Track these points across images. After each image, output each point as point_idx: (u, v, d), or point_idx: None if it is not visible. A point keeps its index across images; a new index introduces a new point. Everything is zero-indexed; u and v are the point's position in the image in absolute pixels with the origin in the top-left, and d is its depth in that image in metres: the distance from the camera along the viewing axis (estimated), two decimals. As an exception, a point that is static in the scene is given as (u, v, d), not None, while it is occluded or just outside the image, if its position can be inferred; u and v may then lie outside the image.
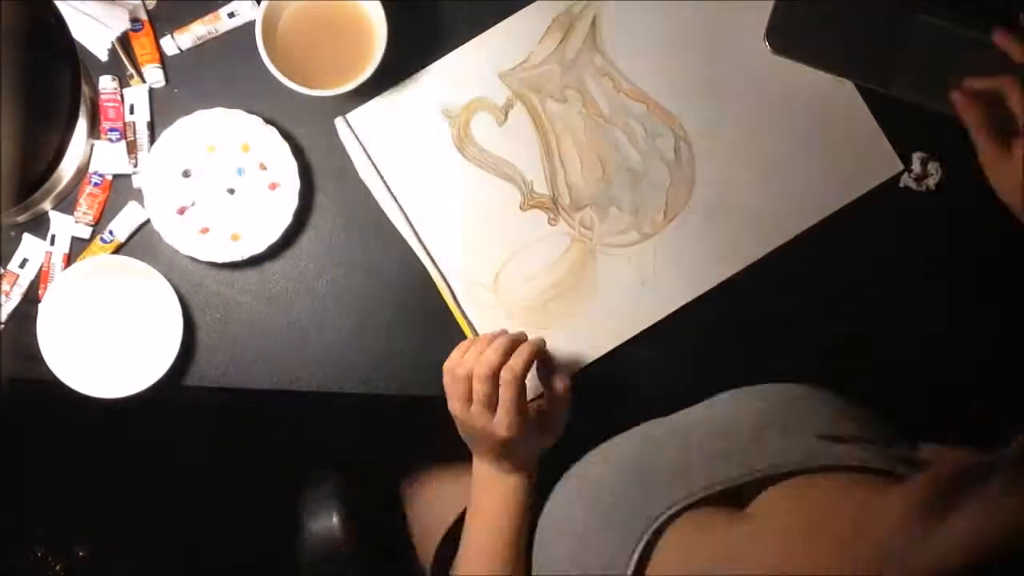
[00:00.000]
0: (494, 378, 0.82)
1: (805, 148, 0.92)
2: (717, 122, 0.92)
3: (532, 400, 0.88)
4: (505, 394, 0.82)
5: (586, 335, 0.92)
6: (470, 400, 0.83)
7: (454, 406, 0.85)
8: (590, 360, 0.92)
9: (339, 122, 0.90)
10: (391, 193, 0.90)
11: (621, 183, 0.92)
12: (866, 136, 0.92)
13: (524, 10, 0.91)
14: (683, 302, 0.92)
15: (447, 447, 0.93)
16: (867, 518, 0.60)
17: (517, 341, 0.84)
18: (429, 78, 0.91)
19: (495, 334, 0.85)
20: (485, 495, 0.89)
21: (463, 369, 0.83)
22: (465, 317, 0.91)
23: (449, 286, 0.91)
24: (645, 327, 0.92)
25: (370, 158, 0.90)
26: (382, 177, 0.90)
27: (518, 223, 0.91)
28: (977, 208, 0.89)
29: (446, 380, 0.85)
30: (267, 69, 0.89)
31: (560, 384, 0.86)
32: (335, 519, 1.13)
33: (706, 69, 0.92)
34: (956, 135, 0.89)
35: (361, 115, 0.90)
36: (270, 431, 1.20)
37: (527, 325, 0.91)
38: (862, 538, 0.58)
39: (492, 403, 0.83)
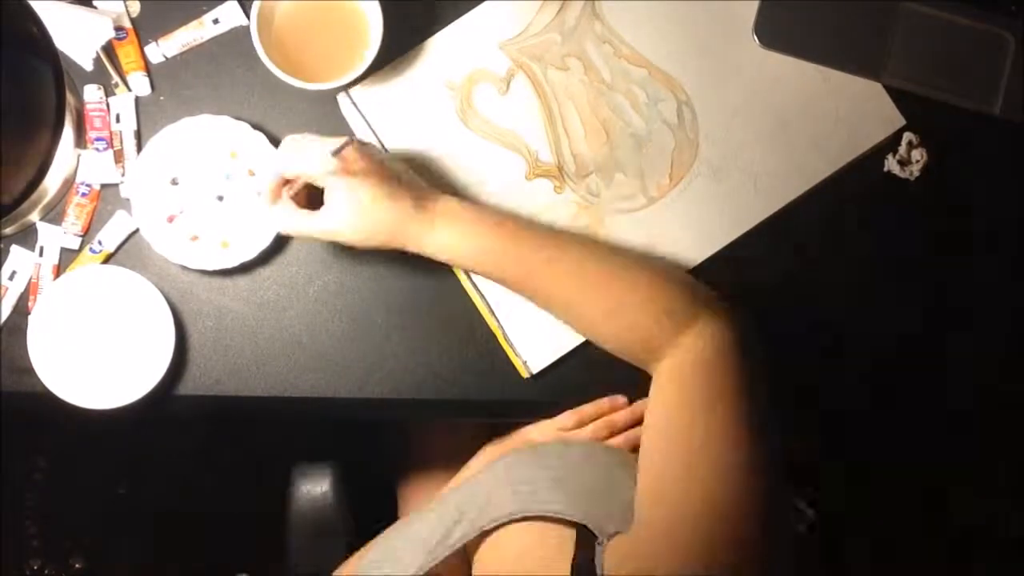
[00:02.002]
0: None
1: (808, 105, 0.92)
2: (718, 83, 0.92)
3: None
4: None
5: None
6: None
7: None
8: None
9: (342, 98, 0.89)
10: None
11: (625, 148, 0.91)
12: (869, 94, 0.92)
13: None
14: (692, 265, 0.91)
15: (442, 450, 0.93)
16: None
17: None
18: (430, 51, 0.90)
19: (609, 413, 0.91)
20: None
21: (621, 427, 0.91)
22: (477, 290, 0.90)
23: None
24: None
25: (374, 133, 0.89)
26: (387, 152, 0.90)
27: (524, 192, 0.91)
28: (953, 200, 0.89)
29: (598, 425, 0.91)
30: (255, 73, 0.89)
31: None
32: (328, 484, 1.14)
33: (706, 31, 0.92)
34: (946, 122, 0.89)
35: (364, 90, 0.89)
36: (265, 439, 1.20)
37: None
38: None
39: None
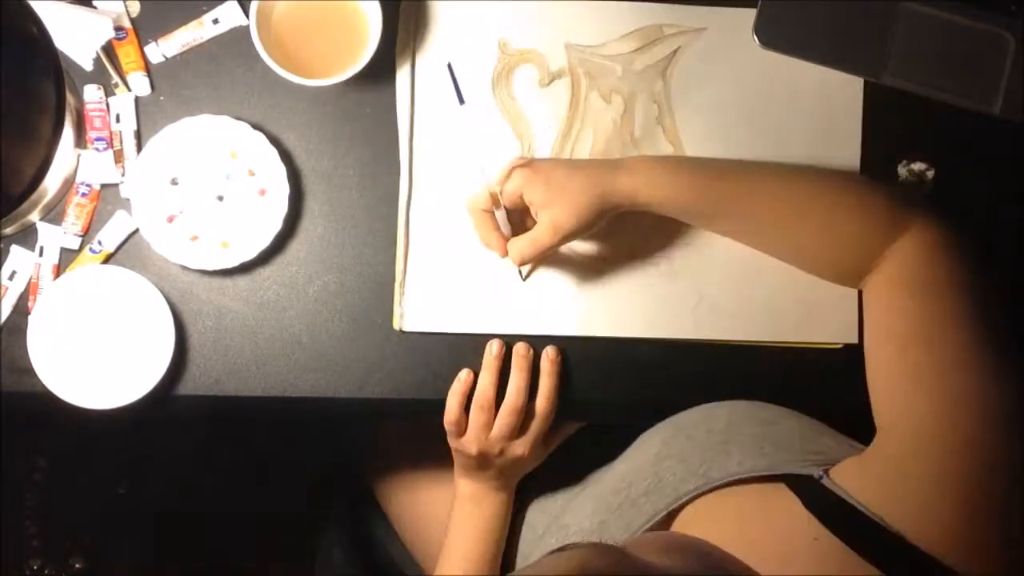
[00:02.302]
0: (520, 412, 0.88)
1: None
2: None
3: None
4: (541, 425, 0.89)
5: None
6: (489, 428, 0.89)
7: (474, 435, 0.89)
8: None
9: (406, 4, 0.89)
10: (412, 90, 0.90)
11: None
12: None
13: (622, 2, 0.91)
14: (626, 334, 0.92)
15: (438, 449, 0.93)
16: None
17: (528, 365, 0.89)
18: (504, 9, 0.90)
19: (501, 355, 0.89)
20: (474, 510, 0.94)
21: (486, 399, 0.88)
22: (406, 231, 0.90)
23: (409, 199, 0.90)
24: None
25: (414, 49, 0.90)
26: (414, 73, 0.90)
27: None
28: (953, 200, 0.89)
29: (459, 412, 0.89)
30: (255, 73, 0.89)
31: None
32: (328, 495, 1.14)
33: (749, 148, 0.92)
34: (946, 122, 0.89)
35: (427, 8, 0.90)
36: (265, 439, 1.20)
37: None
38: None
39: (514, 433, 0.89)
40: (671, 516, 0.76)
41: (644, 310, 0.91)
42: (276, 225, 0.88)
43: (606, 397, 0.93)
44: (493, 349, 0.89)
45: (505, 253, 0.85)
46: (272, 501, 1.16)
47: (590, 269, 0.91)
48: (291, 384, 0.90)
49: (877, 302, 0.77)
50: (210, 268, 0.87)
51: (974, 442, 0.64)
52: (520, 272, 0.90)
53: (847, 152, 0.92)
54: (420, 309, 0.90)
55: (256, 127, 0.88)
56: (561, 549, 0.60)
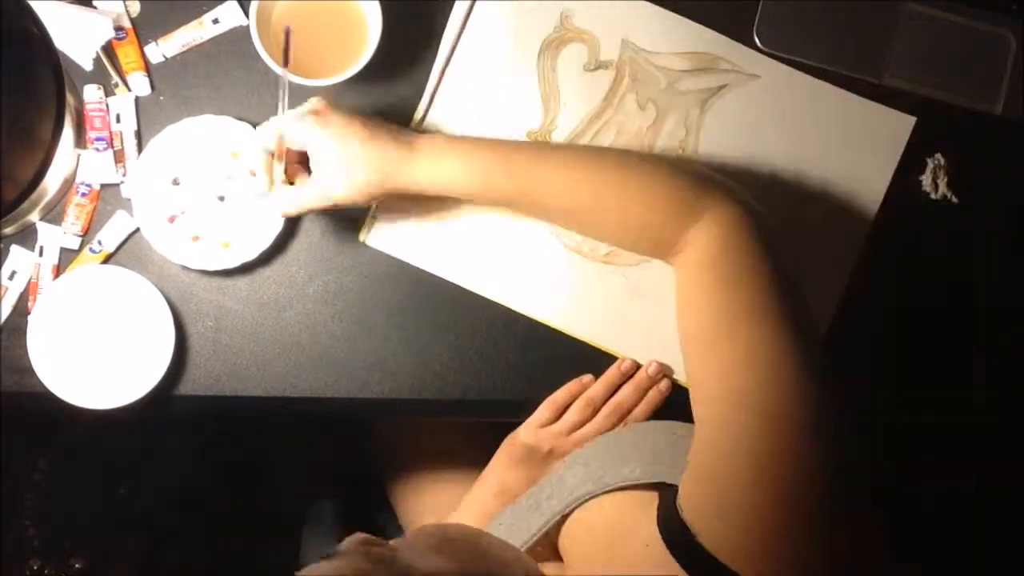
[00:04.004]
0: (621, 416, 0.89)
1: None
2: None
3: None
4: (610, 425, 0.89)
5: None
6: (587, 419, 0.89)
7: (560, 427, 0.89)
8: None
9: None
10: (463, 25, 0.90)
11: None
12: None
13: (690, 23, 0.91)
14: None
15: (441, 449, 0.93)
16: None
17: (648, 384, 0.90)
18: None
19: (628, 370, 0.90)
20: (494, 500, 0.92)
21: (598, 396, 0.89)
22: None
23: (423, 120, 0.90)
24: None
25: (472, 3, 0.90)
26: (472, 7, 0.90)
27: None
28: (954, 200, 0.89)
29: (563, 404, 0.90)
30: (255, 73, 0.89)
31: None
32: (329, 495, 1.14)
33: (768, 195, 0.91)
34: (947, 122, 0.89)
35: None
36: (264, 438, 1.20)
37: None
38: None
39: (598, 434, 0.89)
40: (564, 517, 0.77)
41: (600, 316, 0.91)
42: (277, 225, 0.88)
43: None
44: (623, 367, 0.90)
45: (268, 190, 0.83)
46: (272, 501, 1.16)
47: (566, 257, 0.91)
48: (291, 384, 0.90)
49: (677, 291, 0.76)
50: (211, 268, 0.87)
51: (775, 453, 0.64)
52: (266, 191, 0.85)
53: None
54: (389, 230, 0.90)
55: (258, 127, 0.88)
56: (328, 556, 0.59)
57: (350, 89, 0.90)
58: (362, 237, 0.90)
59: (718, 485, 0.64)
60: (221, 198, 0.88)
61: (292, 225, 0.90)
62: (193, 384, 0.90)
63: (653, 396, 0.90)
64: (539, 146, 0.83)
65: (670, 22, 0.91)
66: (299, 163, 0.83)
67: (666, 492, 0.69)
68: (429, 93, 0.90)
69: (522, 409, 0.92)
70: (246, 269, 0.89)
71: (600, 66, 0.91)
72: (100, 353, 0.87)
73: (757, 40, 0.91)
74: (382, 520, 1.21)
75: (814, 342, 0.70)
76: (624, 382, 0.90)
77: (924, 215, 0.93)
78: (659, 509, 0.67)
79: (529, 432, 0.91)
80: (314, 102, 0.80)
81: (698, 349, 0.72)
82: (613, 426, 0.89)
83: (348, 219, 0.90)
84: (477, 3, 0.90)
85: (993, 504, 0.97)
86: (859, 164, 0.92)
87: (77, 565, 1.05)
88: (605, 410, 0.89)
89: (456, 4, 0.90)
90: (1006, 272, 0.94)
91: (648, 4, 0.91)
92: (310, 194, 0.80)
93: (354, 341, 0.90)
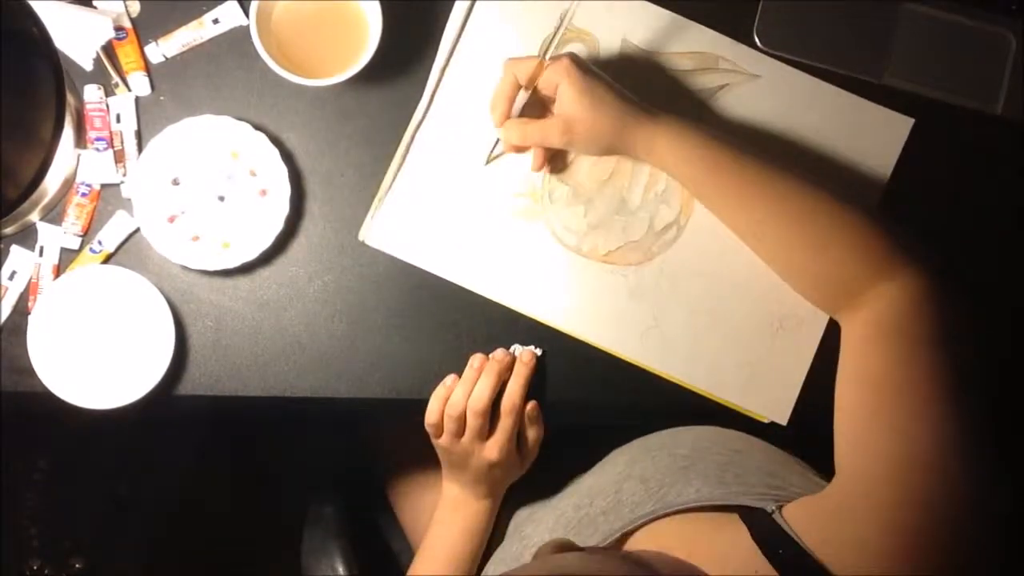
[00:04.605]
0: (486, 413, 0.88)
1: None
2: (720, 237, 0.89)
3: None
4: (506, 422, 0.89)
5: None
6: (461, 434, 0.89)
7: (445, 440, 0.90)
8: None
9: None
10: (465, 21, 0.90)
11: (605, 201, 0.91)
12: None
13: (690, 22, 0.91)
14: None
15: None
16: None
17: (504, 368, 0.89)
18: None
19: (482, 365, 0.89)
20: (454, 513, 0.95)
21: (456, 409, 0.88)
22: (406, 152, 0.90)
23: (416, 131, 0.90)
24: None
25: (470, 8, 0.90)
26: (473, 5, 0.90)
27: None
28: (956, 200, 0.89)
29: (438, 417, 0.89)
30: (256, 73, 0.89)
31: (534, 432, 0.91)
32: (329, 496, 1.14)
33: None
34: (948, 122, 0.89)
35: None
36: (264, 438, 1.20)
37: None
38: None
39: (484, 434, 0.89)
40: (625, 536, 0.76)
41: (598, 316, 0.91)
42: (277, 226, 0.88)
43: (579, 397, 0.93)
44: (475, 363, 0.89)
45: (501, 123, 0.86)
46: (272, 501, 1.16)
47: (567, 257, 0.91)
48: (291, 384, 0.90)
49: (854, 341, 0.75)
50: (211, 268, 0.87)
51: (923, 502, 0.63)
52: (490, 152, 0.89)
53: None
54: (388, 229, 0.90)
55: (257, 128, 0.88)
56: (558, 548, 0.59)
57: (350, 89, 0.90)
58: (361, 235, 0.90)
59: (856, 522, 0.63)
60: (221, 198, 0.88)
61: (292, 225, 0.90)
62: (193, 384, 0.90)
63: (521, 370, 0.89)
64: (767, 165, 0.82)
65: (669, 22, 0.91)
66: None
67: (752, 515, 0.68)
68: (429, 93, 0.90)
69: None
70: (246, 269, 0.89)
71: (600, 66, 0.91)
72: (100, 353, 0.86)
73: (757, 40, 0.91)
74: (382, 521, 1.21)
75: (978, 410, 0.69)
76: (479, 376, 0.89)
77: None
78: (754, 532, 0.66)
79: (435, 444, 0.92)
80: (572, 53, 0.83)
81: (863, 396, 0.71)
82: (484, 412, 0.87)
83: (348, 219, 0.90)
84: (477, 3, 0.90)
85: None
86: (858, 163, 0.91)
87: (77, 565, 1.05)
88: (469, 405, 0.88)
89: (456, 4, 0.90)
90: (1006, 272, 0.94)
91: (648, 4, 0.91)
92: (551, 129, 0.83)
93: (354, 341, 0.90)
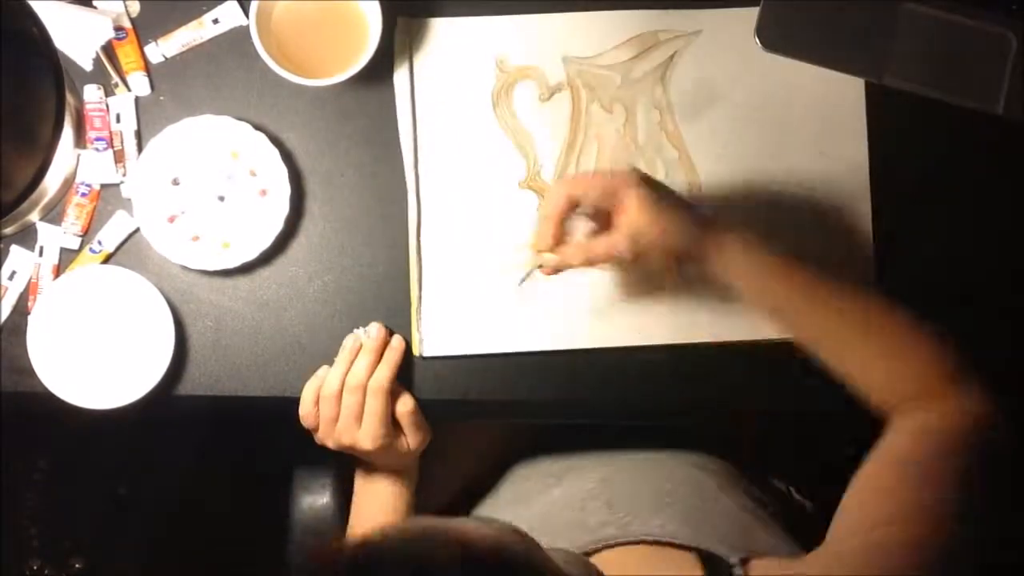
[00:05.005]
0: (363, 390, 0.84)
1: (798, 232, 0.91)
2: (735, 197, 0.90)
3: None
4: (371, 404, 0.85)
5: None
6: (336, 417, 0.85)
7: (325, 429, 0.87)
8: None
9: (402, 21, 0.89)
10: (413, 114, 0.90)
11: None
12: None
13: (615, 11, 0.91)
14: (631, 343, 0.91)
15: (439, 449, 0.93)
16: None
17: (381, 345, 0.87)
18: (500, 25, 0.90)
19: (356, 346, 0.87)
20: (364, 502, 0.93)
21: (332, 389, 0.85)
22: (418, 256, 0.89)
23: (419, 227, 0.90)
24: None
25: (412, 70, 0.90)
26: (413, 94, 0.90)
27: (510, 198, 0.90)
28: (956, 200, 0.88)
29: (313, 406, 0.86)
30: (256, 73, 0.89)
31: (404, 405, 0.88)
32: (328, 496, 1.14)
33: (750, 148, 0.91)
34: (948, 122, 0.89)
35: (424, 25, 0.90)
36: (265, 439, 1.20)
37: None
38: None
39: (358, 415, 0.85)
40: (586, 555, 0.75)
41: (595, 317, 0.90)
42: (277, 226, 0.88)
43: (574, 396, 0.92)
44: (347, 343, 0.87)
45: (548, 247, 0.80)
46: (272, 501, 1.16)
47: (599, 274, 0.90)
48: (291, 384, 0.90)
49: (889, 440, 0.74)
50: (211, 268, 0.87)
51: None
52: (524, 276, 0.87)
53: (854, 145, 0.92)
54: (438, 333, 0.90)
55: (257, 128, 0.88)
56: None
57: (350, 89, 0.90)
58: (416, 351, 0.90)
59: None
60: (221, 198, 0.88)
61: (292, 225, 0.90)
62: (193, 384, 0.90)
63: (390, 355, 0.87)
64: (835, 276, 0.81)
65: (599, 22, 0.91)
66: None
67: (713, 563, 0.68)
68: (413, 195, 0.89)
69: (522, 409, 0.93)
70: (246, 269, 0.89)
71: (553, 91, 0.91)
72: (100, 353, 0.87)
73: (757, 40, 0.91)
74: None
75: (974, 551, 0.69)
76: (352, 357, 0.87)
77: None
78: None
79: (316, 438, 0.90)
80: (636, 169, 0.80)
81: (877, 484, 0.71)
82: (358, 388, 0.85)
83: (348, 219, 0.90)
84: (416, 86, 0.90)
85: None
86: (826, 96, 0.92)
87: (77, 565, 1.05)
88: (346, 382, 0.86)
89: (398, 104, 0.89)
90: (1007, 272, 0.94)
91: (572, 14, 0.91)
92: (619, 240, 0.77)
93: (354, 341, 0.90)
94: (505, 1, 0.91)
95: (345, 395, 0.85)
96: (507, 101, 0.91)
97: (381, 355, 0.87)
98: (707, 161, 0.92)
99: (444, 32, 0.90)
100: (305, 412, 0.87)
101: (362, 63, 0.84)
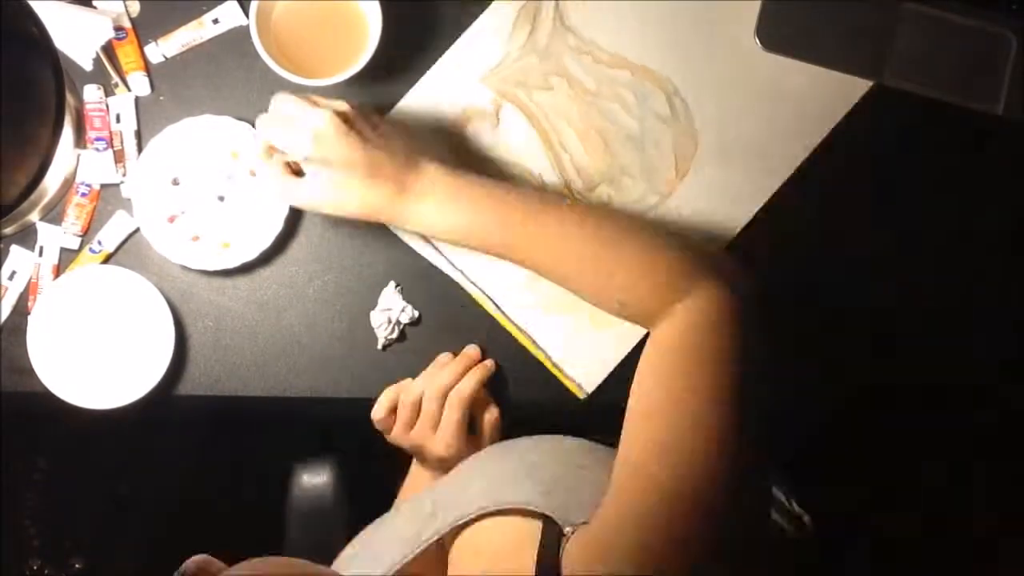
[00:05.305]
0: (443, 398, 0.86)
1: (790, 67, 0.91)
2: (702, 67, 0.91)
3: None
4: (450, 415, 0.86)
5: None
6: (413, 425, 0.87)
7: (397, 432, 0.88)
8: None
9: None
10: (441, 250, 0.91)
11: (626, 153, 0.91)
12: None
13: (486, 11, 0.90)
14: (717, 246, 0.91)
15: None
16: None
17: (470, 363, 0.88)
18: (416, 100, 0.91)
19: (447, 361, 0.89)
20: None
21: (411, 395, 0.87)
22: (510, 320, 0.91)
23: (489, 296, 0.91)
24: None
25: None
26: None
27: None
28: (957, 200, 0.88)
29: (386, 412, 0.88)
30: (255, 73, 0.89)
31: (491, 414, 0.90)
32: (328, 475, 1.14)
33: (677, 15, 0.91)
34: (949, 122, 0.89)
35: None
36: (265, 439, 1.20)
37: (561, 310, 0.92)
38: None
39: (436, 423, 0.87)
40: (458, 532, 0.75)
41: (732, 200, 0.91)
42: (277, 226, 0.88)
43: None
44: (441, 359, 0.90)
45: (264, 167, 0.80)
46: (272, 501, 1.16)
47: None
48: (291, 384, 0.90)
49: (642, 357, 0.75)
50: (211, 268, 0.87)
51: (687, 539, 0.63)
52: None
53: None
54: (582, 367, 0.91)
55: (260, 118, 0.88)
56: None
57: (350, 89, 0.90)
58: (581, 396, 0.92)
59: (614, 556, 0.63)
60: (221, 198, 0.88)
61: (292, 225, 0.90)
62: (193, 384, 0.90)
63: (478, 371, 0.88)
64: (541, 203, 0.80)
65: (480, 31, 0.90)
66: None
67: (549, 529, 0.67)
68: (458, 275, 0.91)
69: (521, 409, 0.93)
70: (246, 269, 0.89)
71: (496, 111, 0.91)
72: (100, 353, 0.87)
73: (757, 41, 0.91)
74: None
75: (760, 436, 0.70)
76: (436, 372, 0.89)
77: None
78: (540, 547, 0.66)
79: (389, 439, 0.91)
80: (326, 133, 0.76)
81: (638, 415, 0.72)
82: (437, 398, 0.86)
83: (348, 220, 0.90)
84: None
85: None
86: None
87: (77, 565, 1.05)
88: (425, 394, 0.87)
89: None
90: (1007, 273, 0.94)
91: (456, 44, 0.90)
92: (298, 194, 0.78)
93: (354, 341, 0.90)
94: (404, 74, 0.90)
95: (425, 402, 0.87)
96: (468, 151, 0.91)
97: (469, 370, 0.88)
98: (654, 57, 0.91)
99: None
100: (378, 417, 0.88)
101: (362, 63, 0.84)
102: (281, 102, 0.77)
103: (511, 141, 0.91)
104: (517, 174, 0.91)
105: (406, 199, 0.78)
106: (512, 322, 0.91)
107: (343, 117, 0.77)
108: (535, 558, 0.65)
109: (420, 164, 0.79)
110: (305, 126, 0.76)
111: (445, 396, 0.87)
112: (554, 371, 0.91)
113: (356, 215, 0.78)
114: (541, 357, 0.91)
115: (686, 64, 0.91)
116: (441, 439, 0.87)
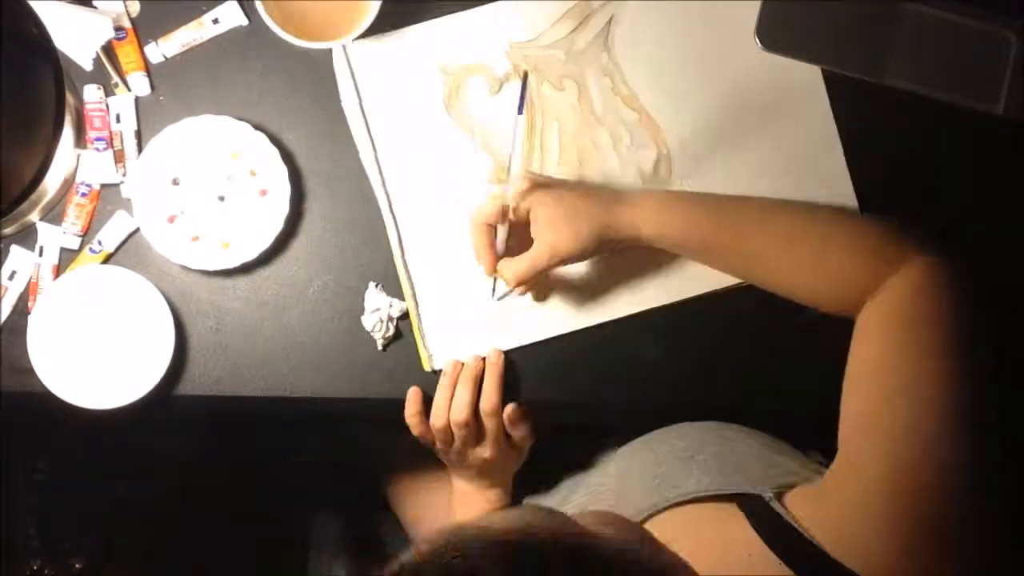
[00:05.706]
0: (470, 423, 0.88)
1: (772, 170, 0.92)
2: (705, 147, 0.91)
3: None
4: (489, 425, 0.89)
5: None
6: (451, 443, 0.90)
7: (439, 449, 0.91)
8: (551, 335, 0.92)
9: (337, 50, 0.89)
10: (371, 138, 0.90)
11: (594, 182, 0.91)
12: (828, 158, 0.91)
13: None
14: (629, 312, 0.91)
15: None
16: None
17: (479, 371, 0.89)
18: (434, 30, 0.90)
19: (456, 374, 0.89)
20: (465, 508, 0.96)
21: (441, 421, 0.88)
22: (403, 257, 0.90)
23: (401, 246, 0.90)
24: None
25: (359, 96, 0.89)
26: (366, 119, 0.89)
27: (482, 194, 0.90)
28: (957, 200, 0.88)
29: (428, 432, 0.90)
30: (256, 73, 0.89)
31: (513, 413, 0.90)
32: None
33: (707, 91, 0.91)
34: (949, 122, 0.89)
35: (360, 47, 0.89)
36: (265, 439, 1.20)
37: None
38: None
39: (473, 440, 0.89)
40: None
41: (587, 295, 0.91)
42: (277, 226, 0.88)
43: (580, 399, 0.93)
44: (448, 369, 0.90)
45: (492, 271, 0.86)
46: (272, 501, 1.16)
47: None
48: (291, 384, 0.90)
49: (864, 335, 0.75)
50: (211, 268, 0.87)
51: (934, 495, 0.63)
52: (494, 290, 0.89)
53: (811, 91, 0.92)
54: (444, 345, 0.90)
55: (257, 128, 0.88)
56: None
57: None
58: (427, 367, 0.91)
59: (855, 507, 0.64)
60: (221, 198, 0.88)
61: (292, 225, 0.90)
62: (193, 384, 0.90)
63: (492, 370, 0.89)
64: (743, 202, 0.86)
65: (530, 4, 0.91)
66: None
67: (750, 502, 0.68)
68: (389, 218, 0.90)
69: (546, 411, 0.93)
70: (246, 269, 0.89)
71: (503, 82, 0.91)
72: (100, 353, 0.87)
73: (758, 41, 0.91)
74: (383, 519, 1.21)
75: (983, 396, 0.69)
76: (454, 383, 0.90)
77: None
78: (753, 520, 0.67)
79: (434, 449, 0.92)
80: (529, 174, 0.84)
81: (864, 381, 0.72)
82: (466, 422, 0.88)
83: (348, 219, 0.90)
84: (366, 108, 0.89)
85: None
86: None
87: (77, 565, 1.05)
88: (452, 418, 0.88)
89: (354, 134, 0.89)
90: (1008, 273, 0.94)
91: (503, 2, 0.90)
92: (539, 254, 0.82)
93: (354, 341, 0.90)
94: (437, 1, 0.90)
95: (455, 429, 0.89)
96: (459, 102, 0.91)
97: (480, 379, 0.89)
98: (668, 117, 0.91)
99: (380, 49, 0.90)
100: (419, 433, 0.90)
101: (364, 26, 0.84)
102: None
103: (497, 114, 0.91)
104: (485, 143, 0.90)
105: (632, 209, 0.83)
106: (405, 261, 0.90)
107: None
108: (745, 532, 0.66)
109: (615, 189, 0.85)
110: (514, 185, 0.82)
111: (470, 419, 0.88)
112: (415, 331, 0.90)
113: (590, 238, 0.82)
114: (411, 309, 0.90)
115: (690, 136, 0.91)
116: (486, 447, 0.90)
